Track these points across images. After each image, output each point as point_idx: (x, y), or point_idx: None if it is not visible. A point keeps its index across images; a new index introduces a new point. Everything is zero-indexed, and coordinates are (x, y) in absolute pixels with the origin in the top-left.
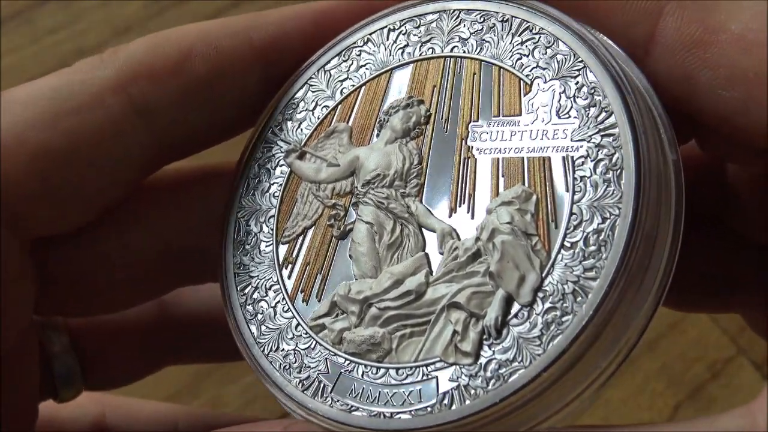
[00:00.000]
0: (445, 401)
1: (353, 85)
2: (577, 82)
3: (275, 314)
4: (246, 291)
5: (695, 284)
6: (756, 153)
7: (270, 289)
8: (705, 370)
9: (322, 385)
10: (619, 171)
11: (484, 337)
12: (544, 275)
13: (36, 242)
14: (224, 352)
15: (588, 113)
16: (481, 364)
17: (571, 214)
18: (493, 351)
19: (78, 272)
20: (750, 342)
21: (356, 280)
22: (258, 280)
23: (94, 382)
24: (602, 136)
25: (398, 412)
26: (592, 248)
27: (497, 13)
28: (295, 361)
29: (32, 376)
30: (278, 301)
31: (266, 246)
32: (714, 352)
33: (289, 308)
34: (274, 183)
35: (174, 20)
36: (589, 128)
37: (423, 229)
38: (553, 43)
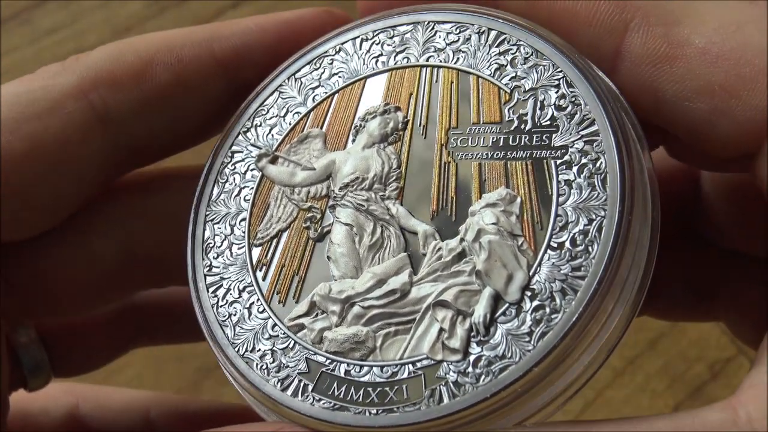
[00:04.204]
0: (434, 397)
1: (326, 93)
2: (558, 91)
3: (250, 315)
4: (217, 293)
5: (677, 293)
6: (722, 161)
7: (244, 290)
8: (705, 370)
9: (302, 384)
10: (603, 175)
11: (472, 334)
12: (531, 274)
13: None
14: (191, 333)
15: (570, 120)
16: (469, 360)
17: (557, 216)
18: (482, 348)
19: (40, 277)
20: None
21: (336, 280)
22: (230, 282)
23: (62, 369)
24: (585, 142)
25: (384, 409)
26: (579, 248)
27: (473, 25)
28: (273, 361)
29: (1, 370)
30: (252, 303)
31: (238, 248)
32: (714, 352)
33: (264, 309)
34: (245, 187)
35: (174, 20)
36: (571, 134)
37: (404, 231)
38: (532, 54)
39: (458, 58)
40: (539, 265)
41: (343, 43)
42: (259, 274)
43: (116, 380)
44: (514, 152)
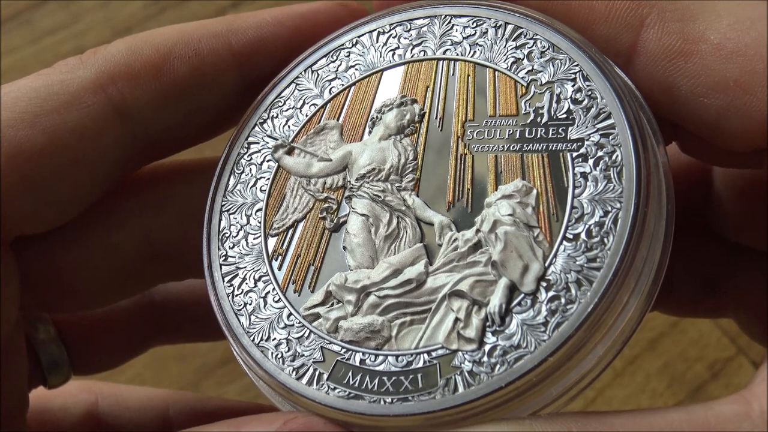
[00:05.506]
0: (449, 386)
1: (342, 85)
2: (574, 85)
3: (265, 304)
4: (233, 282)
5: (687, 289)
6: (735, 156)
7: (259, 280)
8: (705, 370)
9: (317, 372)
10: (619, 168)
11: (488, 324)
12: (546, 265)
13: (17, 241)
14: (208, 331)
15: (586, 114)
16: (485, 350)
17: (573, 207)
18: (497, 337)
19: (59, 270)
20: (750, 342)
21: (351, 270)
22: (245, 271)
23: (81, 367)
24: (601, 135)
25: (399, 398)
26: (595, 240)
27: (489, 19)
28: (288, 350)
29: (21, 366)
30: (268, 292)
31: (254, 238)
32: (714, 352)
33: (280, 298)
34: (261, 177)
35: (174, 21)
36: (587, 127)
37: (420, 222)
38: (549, 48)
39: (475, 52)
40: (555, 256)
41: (359, 36)
42: (275, 264)
43: (116, 380)
44: (531, 145)
